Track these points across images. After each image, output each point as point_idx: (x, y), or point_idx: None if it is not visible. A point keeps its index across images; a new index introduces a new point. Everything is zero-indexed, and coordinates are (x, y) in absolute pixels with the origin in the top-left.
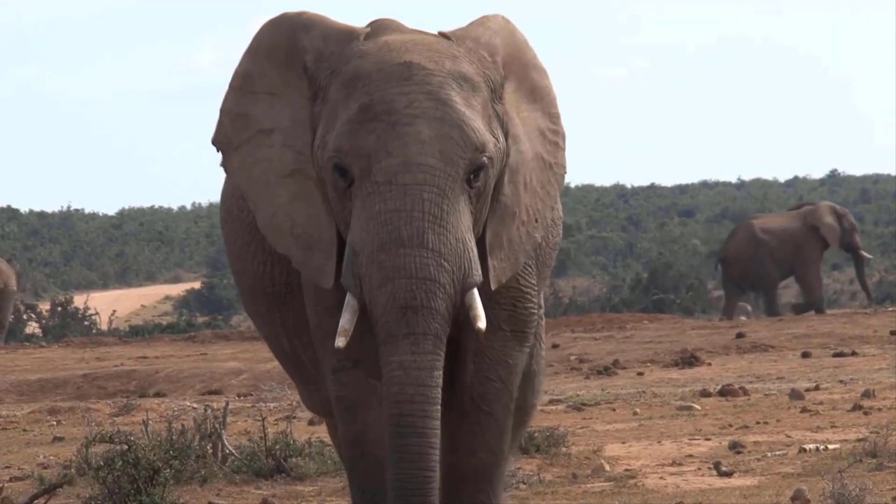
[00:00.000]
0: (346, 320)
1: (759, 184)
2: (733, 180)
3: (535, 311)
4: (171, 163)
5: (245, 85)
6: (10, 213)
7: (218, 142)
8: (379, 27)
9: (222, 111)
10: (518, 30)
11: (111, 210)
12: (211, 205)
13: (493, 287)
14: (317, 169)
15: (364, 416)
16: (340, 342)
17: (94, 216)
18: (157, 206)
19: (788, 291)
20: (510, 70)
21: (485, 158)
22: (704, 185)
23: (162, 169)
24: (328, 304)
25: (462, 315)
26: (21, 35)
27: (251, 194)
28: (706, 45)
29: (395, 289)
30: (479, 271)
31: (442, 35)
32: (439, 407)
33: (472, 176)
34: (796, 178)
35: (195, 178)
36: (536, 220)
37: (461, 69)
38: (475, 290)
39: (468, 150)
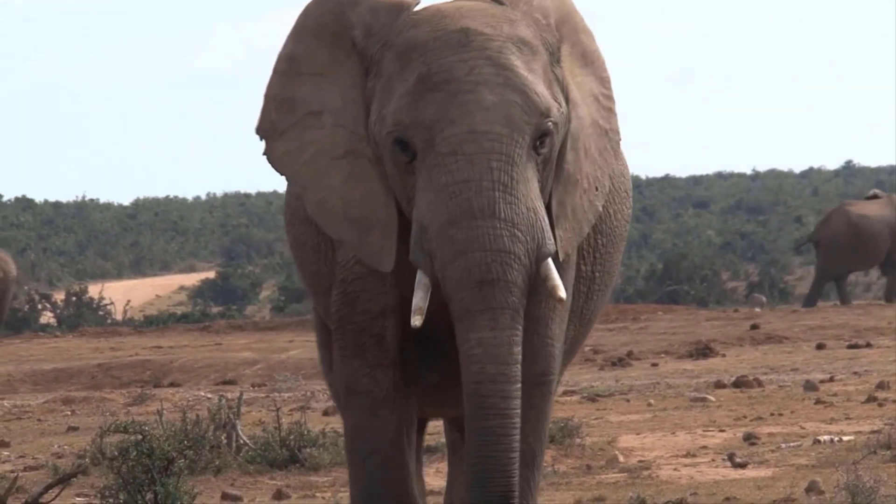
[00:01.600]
0: (420, 298)
1: (774, 175)
2: (748, 171)
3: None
4: (186, 153)
5: (291, 68)
6: (25, 203)
7: (262, 129)
8: None
9: (267, 97)
10: None
11: (126, 200)
12: (226, 195)
13: (560, 258)
14: (373, 147)
15: (384, 416)
16: (417, 321)
17: (108, 206)
18: (171, 196)
19: (803, 283)
20: (562, 33)
21: (550, 124)
22: (719, 176)
23: (177, 159)
24: (378, 307)
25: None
26: (37, 26)
27: (299, 179)
28: (719, 35)
29: (468, 262)
30: (552, 240)
31: (494, 0)
32: (520, 385)
33: (538, 142)
34: (811, 169)
35: (210, 168)
36: (597, 189)
37: (519, 33)
38: (550, 260)
39: (534, 116)
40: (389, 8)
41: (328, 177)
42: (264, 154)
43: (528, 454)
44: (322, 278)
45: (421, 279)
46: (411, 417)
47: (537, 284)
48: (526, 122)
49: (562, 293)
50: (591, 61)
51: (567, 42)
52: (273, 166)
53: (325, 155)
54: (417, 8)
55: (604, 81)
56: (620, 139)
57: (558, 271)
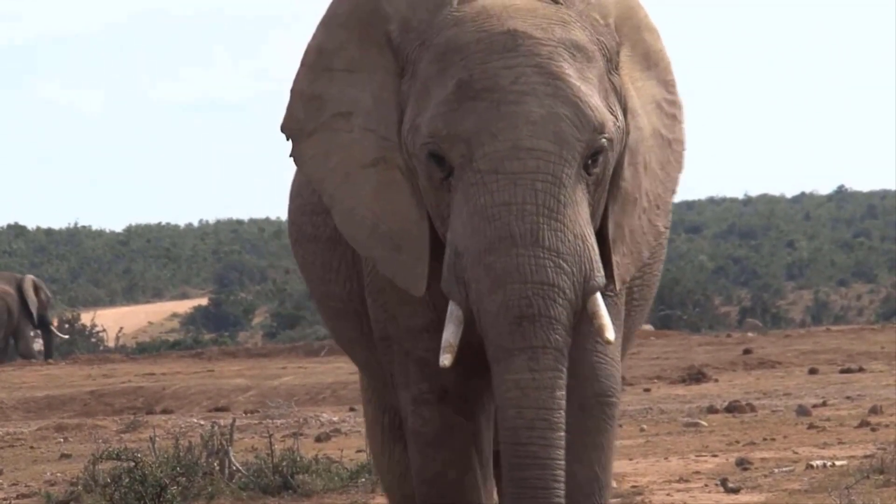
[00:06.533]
0: (451, 333)
1: (766, 200)
2: (740, 196)
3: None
4: (179, 179)
5: (319, 61)
6: (18, 230)
7: (287, 128)
8: None
9: (293, 92)
10: None
11: (118, 227)
12: (218, 221)
13: (617, 287)
14: (405, 156)
15: (444, 455)
16: (446, 360)
17: (101, 233)
18: (164, 223)
19: (796, 307)
20: (622, 33)
21: (604, 140)
22: (711, 201)
23: (169, 185)
24: (417, 325)
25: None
26: (30, 50)
27: (326, 187)
28: (711, 59)
29: (507, 296)
30: (602, 272)
31: None
32: (563, 433)
33: (589, 161)
34: (803, 193)
35: (202, 195)
36: (658, 207)
37: (573, 37)
38: (598, 295)
39: (585, 132)
40: (430, 1)
41: (357, 186)
42: (291, 155)
43: (596, 485)
44: (333, 300)
45: (453, 311)
46: (484, 452)
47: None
48: (577, 138)
49: (609, 335)
50: (654, 63)
51: (628, 43)
52: (301, 170)
53: (353, 162)
54: (460, 3)
55: (668, 85)
56: (685, 149)
57: (610, 298)
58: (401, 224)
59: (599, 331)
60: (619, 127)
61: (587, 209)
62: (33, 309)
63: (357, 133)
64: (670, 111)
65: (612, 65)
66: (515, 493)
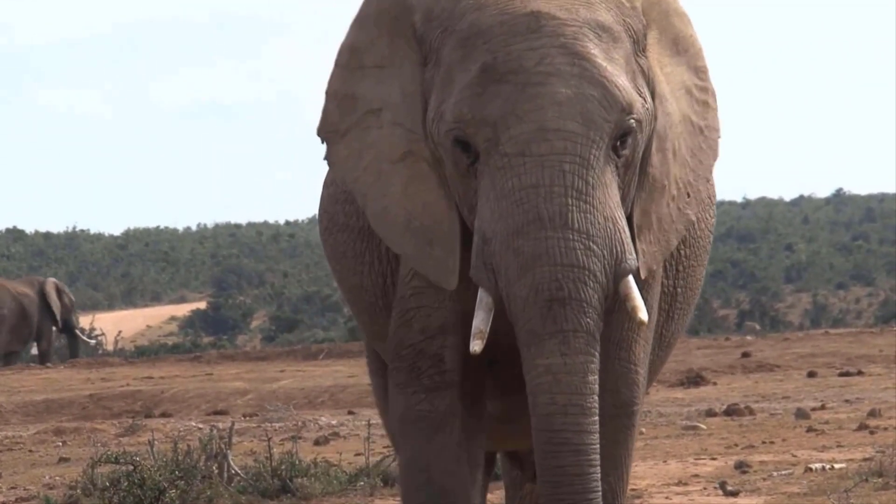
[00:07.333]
0: (481, 320)
1: (765, 203)
2: (738, 199)
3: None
4: (177, 183)
5: (352, 60)
6: (16, 234)
7: (323, 131)
8: None
9: (328, 94)
10: None
11: (116, 230)
12: (216, 225)
13: (642, 275)
14: (431, 147)
15: (440, 440)
16: (477, 346)
17: (99, 237)
18: (162, 227)
19: (794, 311)
20: (650, 18)
21: (632, 121)
22: None
23: (167, 189)
24: (433, 325)
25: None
26: (29, 55)
27: (360, 186)
28: (710, 61)
29: (536, 279)
30: (634, 254)
31: None
32: (596, 417)
33: (618, 142)
34: (801, 196)
35: (201, 199)
36: (688, 195)
37: (598, 17)
38: (630, 278)
39: (613, 112)
40: None
41: (388, 183)
42: (325, 158)
43: (609, 496)
44: (365, 293)
45: (483, 298)
46: (477, 456)
47: (616, 304)
48: (605, 118)
49: (643, 315)
50: (684, 48)
51: (656, 27)
52: (335, 173)
53: (384, 158)
54: None
55: (699, 71)
56: (720, 136)
57: (640, 288)
58: (431, 218)
59: (633, 312)
60: (647, 109)
61: (617, 191)
62: (56, 312)
63: (386, 129)
64: (702, 98)
65: (638, 47)
66: (551, 481)
